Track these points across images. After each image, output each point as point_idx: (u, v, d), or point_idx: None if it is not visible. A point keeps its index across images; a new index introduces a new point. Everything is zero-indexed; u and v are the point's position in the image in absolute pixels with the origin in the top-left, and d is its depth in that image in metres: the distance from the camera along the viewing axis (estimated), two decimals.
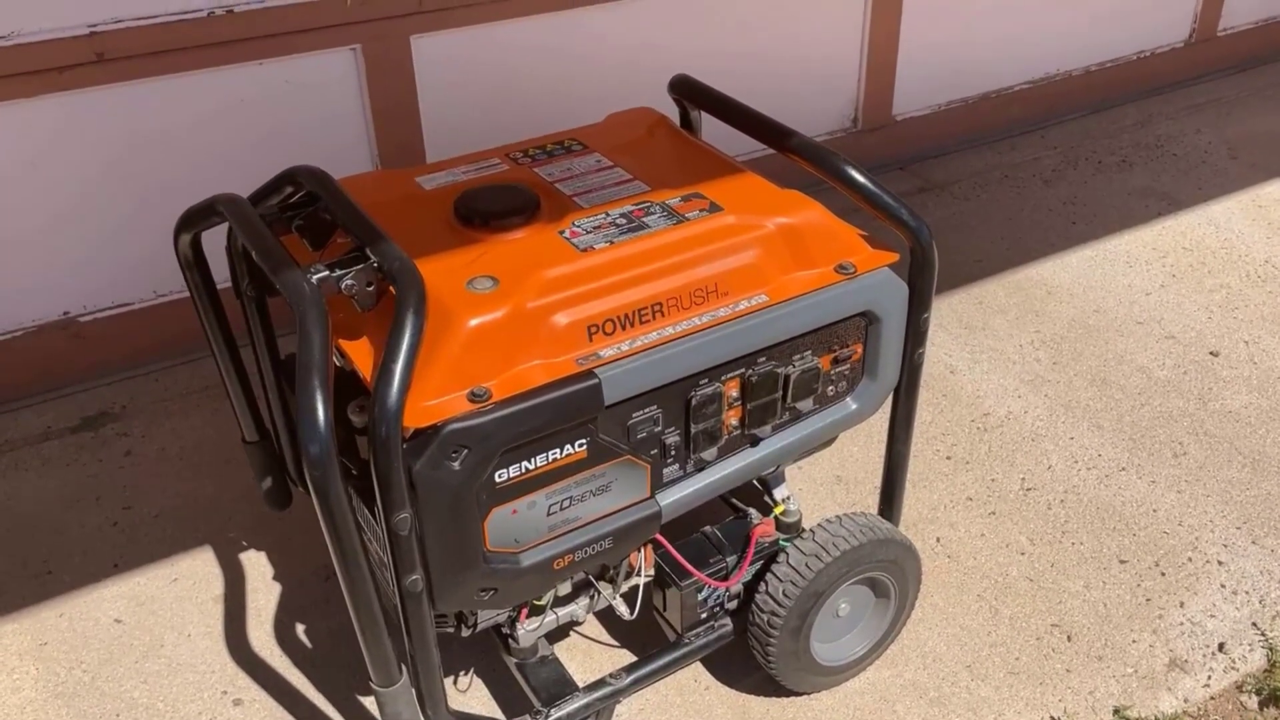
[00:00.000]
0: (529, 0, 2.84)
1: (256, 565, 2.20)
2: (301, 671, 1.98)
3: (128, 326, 2.72)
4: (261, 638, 2.05)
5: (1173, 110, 4.07)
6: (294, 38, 2.60)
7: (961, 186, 3.59)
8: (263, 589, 2.14)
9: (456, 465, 1.38)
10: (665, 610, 1.86)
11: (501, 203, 1.61)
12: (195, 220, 1.66)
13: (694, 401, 1.57)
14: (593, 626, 2.05)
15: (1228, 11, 4.26)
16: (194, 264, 1.73)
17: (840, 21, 3.40)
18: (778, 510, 1.95)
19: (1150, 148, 3.81)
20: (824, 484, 2.39)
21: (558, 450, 1.48)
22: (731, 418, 1.63)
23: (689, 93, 1.95)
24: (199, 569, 2.19)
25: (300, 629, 2.06)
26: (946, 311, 2.96)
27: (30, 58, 2.35)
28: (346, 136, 2.79)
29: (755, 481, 1.99)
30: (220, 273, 1.72)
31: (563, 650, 2.00)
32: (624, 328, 1.50)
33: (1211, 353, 2.77)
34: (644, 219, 1.61)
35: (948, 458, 2.46)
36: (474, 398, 1.40)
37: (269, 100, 2.65)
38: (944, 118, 3.76)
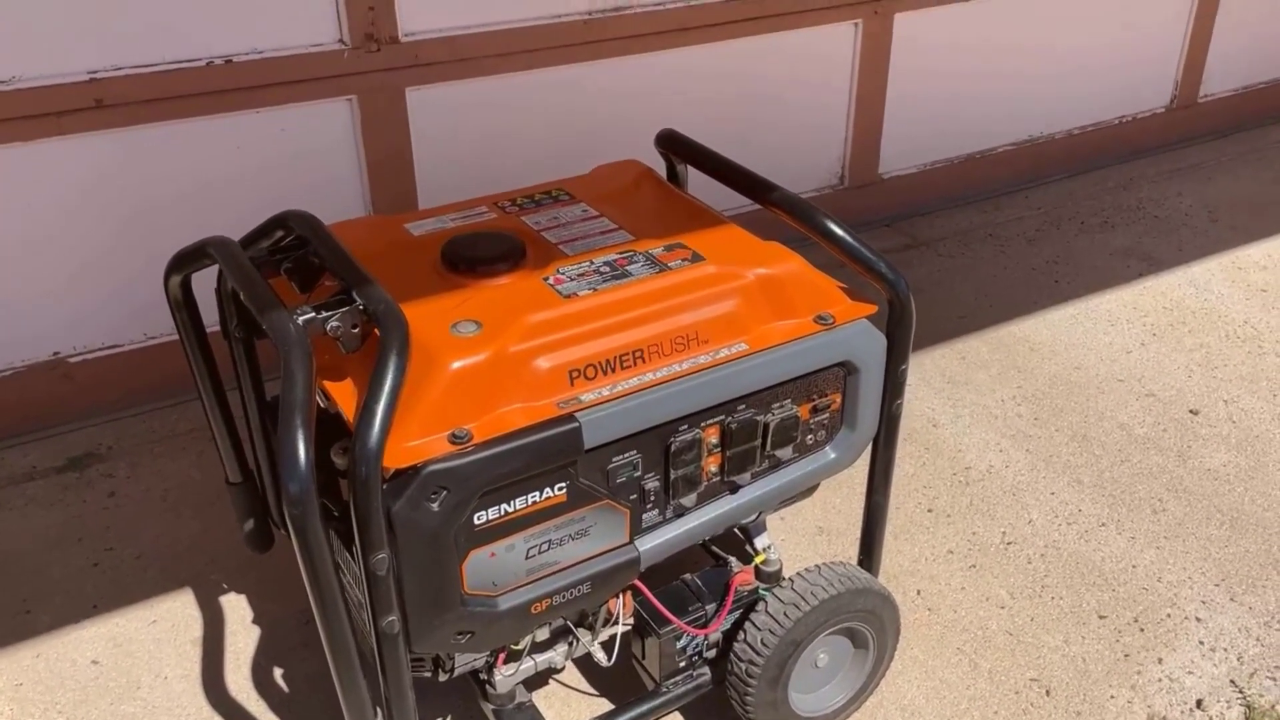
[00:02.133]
0: (525, 56, 2.91)
1: (236, 608, 2.19)
2: (277, 715, 1.97)
3: (117, 368, 2.74)
4: (239, 681, 2.04)
5: (1154, 173, 4.15)
6: (291, 88, 2.65)
7: (947, 244, 3.65)
8: (242, 632, 2.14)
9: (435, 506, 1.40)
10: (644, 658, 1.86)
11: (488, 249, 1.64)
12: (186, 262, 1.69)
13: (673, 447, 1.58)
14: (572, 674, 2.04)
15: (1208, 79, 4.35)
16: (183, 305, 1.75)
17: (828, 81, 3.47)
18: (758, 559, 1.96)
19: (1132, 209, 3.88)
20: (806, 534, 2.40)
21: (537, 493, 1.49)
22: (711, 464, 1.65)
23: (675, 147, 2.00)
24: (179, 611, 2.19)
25: (278, 673, 2.05)
26: (930, 366, 2.99)
27: (30, 102, 2.39)
28: (341, 185, 2.83)
29: (737, 530, 2.00)
30: (210, 315, 1.75)
31: (541, 697, 1.99)
32: (605, 373, 1.53)
33: (1191, 411, 2.80)
34: (627, 267, 1.64)
35: (929, 510, 2.47)
36: (455, 439, 1.41)
37: (265, 148, 2.70)
38: (930, 177, 3.82)
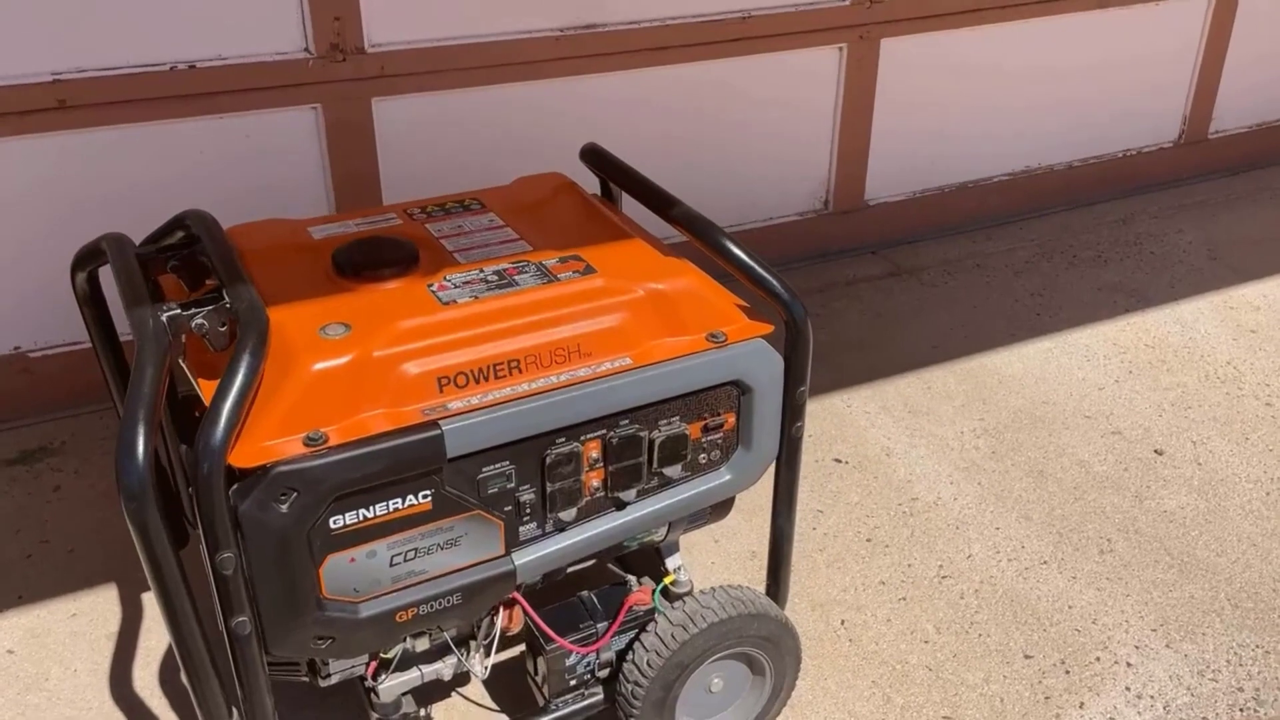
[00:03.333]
0: (495, 70, 2.92)
1: (155, 607, 2.18)
2: (176, 713, 1.97)
3: (78, 364, 2.77)
4: (145, 678, 2.05)
5: (1157, 209, 4.05)
6: (255, 95, 2.68)
7: (931, 273, 3.59)
8: (156, 629, 2.15)
9: (284, 508, 1.39)
10: (535, 675, 1.84)
11: (376, 255, 1.64)
12: (88, 259, 1.72)
13: (549, 460, 1.56)
14: (476, 688, 2.02)
15: (1219, 115, 4.26)
16: (90, 301, 1.78)
17: (810, 105, 3.44)
18: (667, 579, 1.93)
19: (1128, 244, 3.79)
20: (738, 558, 2.36)
21: (399, 500, 1.48)
22: (593, 479, 1.63)
23: (597, 161, 1.99)
24: (100, 606, 2.21)
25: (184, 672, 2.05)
26: (893, 394, 2.94)
27: None
28: (306, 191, 2.86)
29: (654, 550, 1.98)
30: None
31: (441, 710, 1.97)
32: (477, 382, 1.51)
33: (1156, 451, 2.72)
34: (515, 277, 1.63)
35: (868, 540, 2.42)
36: (309, 442, 1.41)
37: (228, 153, 2.73)
38: (918, 205, 3.77)
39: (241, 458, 1.37)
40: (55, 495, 2.51)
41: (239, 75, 2.65)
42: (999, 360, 3.11)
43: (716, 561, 2.35)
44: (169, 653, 2.10)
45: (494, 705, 2.00)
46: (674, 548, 1.97)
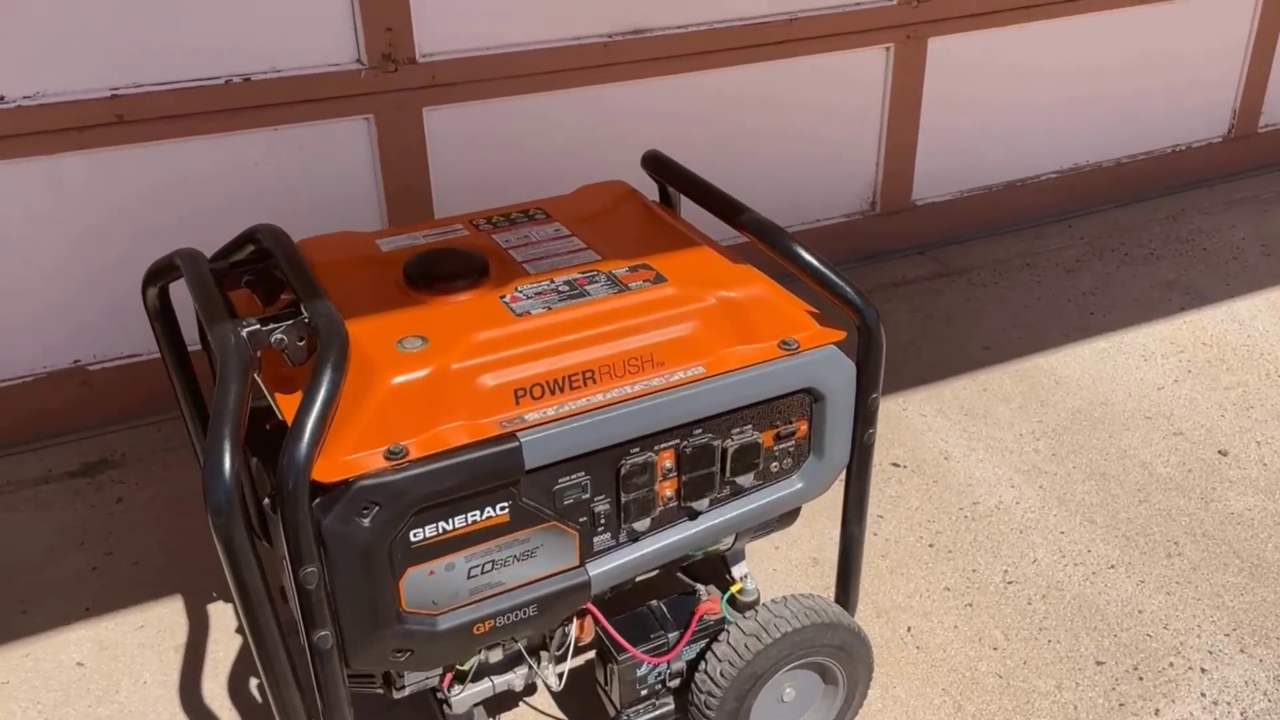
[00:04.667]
0: (544, 77, 2.92)
1: (222, 617, 2.21)
2: None
3: (136, 377, 2.80)
4: (214, 689, 2.06)
5: (1208, 205, 4.00)
6: (308, 106, 2.70)
7: (980, 273, 3.56)
8: (223, 640, 2.16)
9: (366, 522, 1.39)
10: (606, 685, 1.83)
11: (448, 266, 1.64)
12: (160, 274, 1.73)
13: (624, 470, 1.56)
14: (543, 698, 2.02)
15: (1269, 108, 4.19)
16: (160, 316, 1.80)
17: (858, 105, 3.42)
18: (734, 588, 1.92)
19: (1181, 241, 3.74)
20: (799, 565, 2.35)
21: (477, 512, 1.48)
22: (666, 489, 1.62)
23: (658, 168, 1.98)
24: (166, 617, 2.22)
25: (254, 683, 2.06)
26: (949, 397, 2.91)
27: (53, 117, 2.47)
28: (359, 201, 2.87)
29: (719, 558, 1.97)
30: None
31: (509, 719, 1.97)
32: (553, 393, 1.51)
33: (1220, 451, 2.68)
34: (586, 287, 1.62)
35: (930, 545, 2.40)
36: (390, 455, 1.41)
37: (283, 164, 2.74)
38: (966, 204, 3.74)
39: (324, 472, 1.37)
40: (117, 507, 2.54)
41: (293, 87, 2.66)
42: (1054, 361, 3.07)
43: (779, 568, 2.34)
44: (237, 663, 2.11)
45: (562, 715, 2.00)
46: (740, 556, 1.96)
